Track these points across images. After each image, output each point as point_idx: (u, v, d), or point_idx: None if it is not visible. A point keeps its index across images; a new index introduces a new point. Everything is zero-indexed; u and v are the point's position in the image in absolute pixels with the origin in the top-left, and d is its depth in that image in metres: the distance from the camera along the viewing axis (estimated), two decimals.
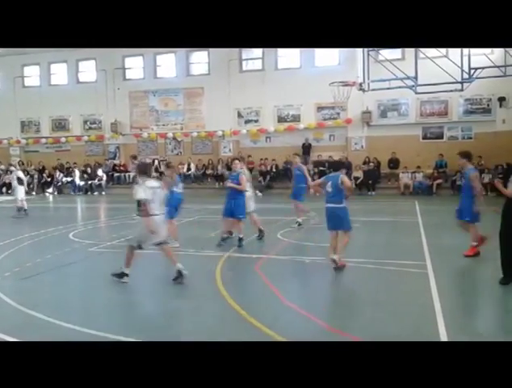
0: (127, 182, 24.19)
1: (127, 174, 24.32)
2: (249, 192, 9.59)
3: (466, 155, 7.81)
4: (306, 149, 22.18)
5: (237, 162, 9.52)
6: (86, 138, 25.61)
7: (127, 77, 25.03)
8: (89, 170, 24.08)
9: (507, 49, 13.81)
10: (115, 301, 6.03)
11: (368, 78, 13.64)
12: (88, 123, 25.80)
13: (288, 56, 22.37)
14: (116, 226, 12.35)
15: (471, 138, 20.62)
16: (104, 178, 23.79)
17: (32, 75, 26.45)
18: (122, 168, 24.58)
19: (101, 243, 9.58)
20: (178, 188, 9.32)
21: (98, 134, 25.42)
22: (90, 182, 23.55)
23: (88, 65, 25.48)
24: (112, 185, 24.05)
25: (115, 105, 24.79)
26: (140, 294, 6.50)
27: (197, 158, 23.68)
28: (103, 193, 23.15)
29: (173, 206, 8.77)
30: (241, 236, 8.97)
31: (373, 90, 14.22)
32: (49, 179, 24.39)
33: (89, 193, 23.30)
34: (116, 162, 25.11)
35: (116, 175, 24.42)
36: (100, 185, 23.50)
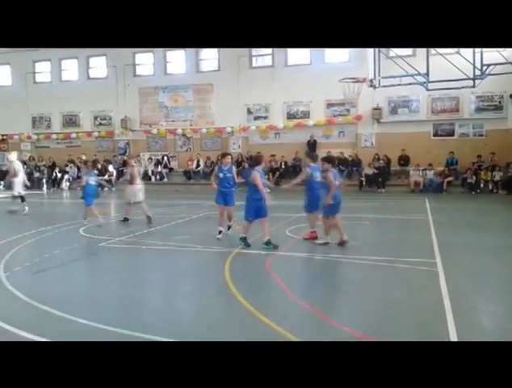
0: None
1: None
2: (139, 185, 11.85)
3: (329, 161, 9.17)
4: (311, 146, 22.13)
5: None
6: (96, 134, 25.79)
7: (137, 73, 25.13)
8: (99, 166, 24.19)
9: None
10: (125, 297, 6.06)
11: (379, 75, 13.55)
12: (98, 119, 25.96)
13: (298, 53, 22.29)
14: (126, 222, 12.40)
15: (482, 135, 20.44)
16: (114, 174, 23.93)
17: (43, 71, 26.67)
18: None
19: (110, 239, 9.63)
20: (92, 181, 11.72)
21: (108, 130, 25.60)
22: (100, 177, 23.68)
23: (98, 62, 25.63)
24: (122, 181, 24.16)
25: (125, 101, 24.91)
26: (150, 290, 6.53)
27: (206, 155, 23.72)
28: (113, 189, 23.27)
29: (90, 195, 11.45)
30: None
31: (384, 86, 14.14)
32: (60, 175, 24.54)
33: (98, 189, 23.40)
34: (126, 158, 25.21)
35: (126, 170, 24.52)
36: (110, 181, 23.60)
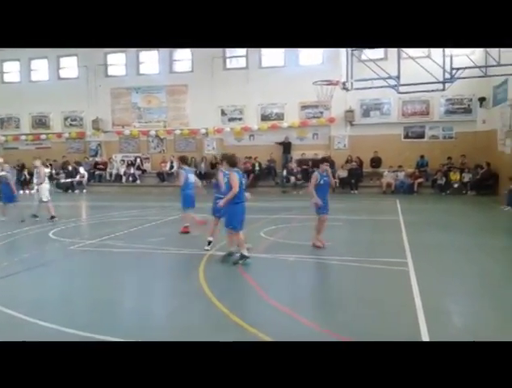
0: (108, 180, 23.99)
1: (108, 171, 24.14)
2: (46, 184, 12.58)
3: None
4: (286, 147, 22.24)
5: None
6: (66, 135, 25.30)
7: (109, 73, 24.76)
8: (69, 167, 23.77)
9: (488, 50, 14.01)
10: (96, 300, 5.94)
11: (351, 78, 13.69)
12: (69, 120, 25.48)
13: (272, 55, 22.39)
14: (97, 224, 12.23)
15: (452, 138, 20.92)
16: (86, 176, 23.55)
17: (12, 71, 26.02)
18: (103, 166, 24.38)
19: (82, 242, 9.45)
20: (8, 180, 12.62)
21: (79, 131, 25.14)
22: (71, 180, 23.26)
23: (69, 62, 25.14)
24: (94, 183, 23.81)
25: (97, 102, 24.51)
26: (122, 293, 6.43)
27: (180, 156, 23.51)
28: (84, 191, 22.90)
29: (6, 194, 12.48)
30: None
31: (356, 89, 14.29)
32: (29, 177, 23.95)
33: (69, 191, 23.00)
34: (98, 159, 24.86)
35: (98, 172, 24.18)
36: (81, 183, 23.22)
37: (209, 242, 8.44)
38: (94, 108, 24.49)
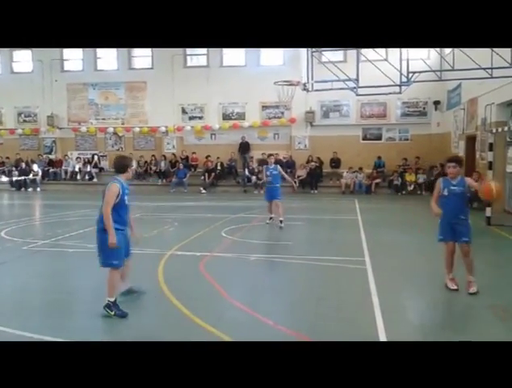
0: (63, 178, 23.31)
1: (63, 169, 23.44)
2: None
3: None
4: (244, 147, 22.23)
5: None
6: (20, 131, 24.37)
7: (65, 68, 24.03)
8: (23, 165, 22.91)
9: (442, 55, 14.48)
10: (51, 302, 5.74)
11: (312, 79, 13.80)
12: (22, 115, 24.55)
13: (233, 54, 22.34)
14: (52, 224, 11.84)
15: (407, 140, 21.54)
16: (40, 173, 22.78)
17: None
18: (58, 164, 23.66)
19: (35, 242, 9.12)
20: None
21: (33, 127, 24.27)
22: (24, 177, 22.43)
23: (23, 55, 24.21)
24: (48, 181, 23.06)
25: (52, 97, 23.74)
26: (79, 295, 6.24)
27: (139, 154, 23.13)
28: (38, 189, 22.15)
29: None
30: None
31: (316, 90, 14.42)
32: None
33: (23, 189, 22.17)
34: (52, 157, 24.09)
35: (52, 170, 23.44)
36: (35, 181, 22.44)
37: (270, 218, 10.97)
38: (49, 104, 23.71)
